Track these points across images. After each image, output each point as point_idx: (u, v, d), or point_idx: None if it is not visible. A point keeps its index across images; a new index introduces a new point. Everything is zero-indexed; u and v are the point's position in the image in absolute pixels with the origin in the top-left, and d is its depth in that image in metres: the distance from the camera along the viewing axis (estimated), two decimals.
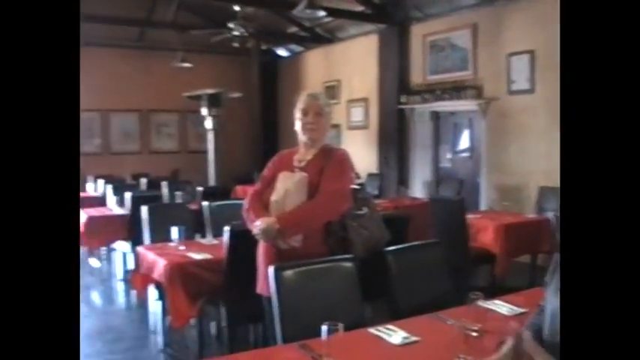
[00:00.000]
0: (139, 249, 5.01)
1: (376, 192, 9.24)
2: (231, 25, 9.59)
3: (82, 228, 7.37)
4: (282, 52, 14.44)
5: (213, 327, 5.12)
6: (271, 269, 2.85)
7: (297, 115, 3.43)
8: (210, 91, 9.84)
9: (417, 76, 10.47)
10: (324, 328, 2.20)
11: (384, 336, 2.54)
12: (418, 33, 10.40)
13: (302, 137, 3.44)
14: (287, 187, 3.30)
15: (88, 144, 12.99)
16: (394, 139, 10.84)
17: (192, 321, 4.66)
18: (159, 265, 4.44)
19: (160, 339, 5.06)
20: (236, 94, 10.44)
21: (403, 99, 10.47)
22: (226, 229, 4.21)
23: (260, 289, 3.34)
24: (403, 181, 10.52)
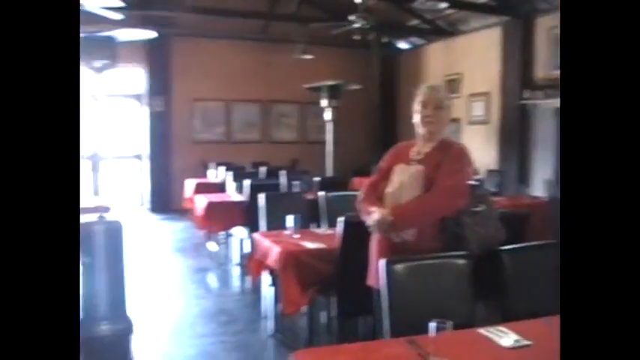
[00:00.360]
0: (255, 235, 5.13)
1: (495, 189, 9.00)
2: (352, 17, 9.61)
3: (201, 212, 7.65)
4: (402, 44, 14.32)
5: (323, 316, 5.16)
6: (382, 262, 2.85)
7: (416, 107, 3.39)
8: (330, 82, 9.91)
9: (541, 70, 10.10)
10: (432, 325, 2.17)
11: (494, 337, 2.47)
12: (544, 25, 10.01)
13: (420, 130, 3.40)
14: (403, 179, 3.28)
15: (211, 132, 13.44)
16: (515, 135, 10.52)
17: (303, 309, 4.71)
18: (273, 252, 4.52)
19: (270, 324, 5.18)
20: (355, 86, 10.45)
21: (526, 94, 10.13)
22: (340, 219, 4.23)
23: (371, 281, 3.34)
24: (523, 178, 10.19)
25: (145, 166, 13.18)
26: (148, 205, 13.16)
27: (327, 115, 10.06)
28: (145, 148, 13.15)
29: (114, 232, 5.07)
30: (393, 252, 3.13)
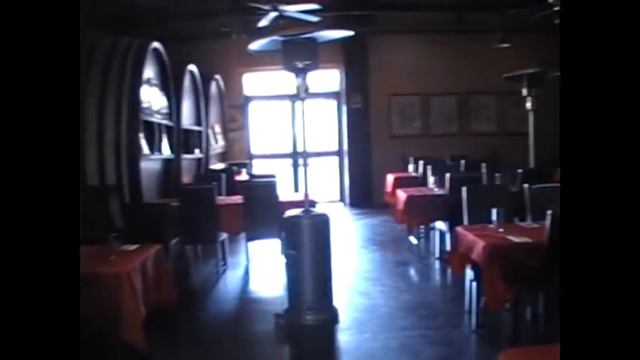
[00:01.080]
0: (458, 229, 5.07)
1: None
2: (552, 0, 9.12)
3: (402, 206, 7.69)
4: None
5: (529, 312, 4.99)
6: None
7: None
8: (530, 70, 9.51)
9: None
10: None
11: None
12: None
13: None
14: None
15: (409, 127, 13.50)
16: None
17: (507, 304, 4.59)
18: (477, 245, 4.45)
19: (473, 320, 5.09)
20: (557, 73, 9.93)
21: None
22: (549, 212, 4.06)
23: None
24: None
25: (345, 162, 13.53)
26: (347, 200, 13.50)
27: (528, 104, 9.65)
28: (344, 144, 13.50)
29: (321, 225, 5.25)
30: None
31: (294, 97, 12.77)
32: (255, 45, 5.41)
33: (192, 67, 10.30)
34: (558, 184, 5.38)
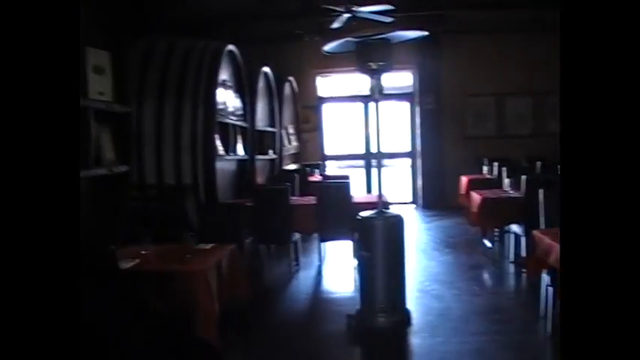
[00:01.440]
0: (535, 233, 4.97)
1: None
2: None
3: (476, 209, 7.60)
4: None
5: None
6: None
7: None
8: None
9: None
10: None
11: None
12: None
13: None
14: None
15: (483, 128, 13.27)
16: None
17: None
18: (555, 250, 4.35)
19: (549, 325, 4.98)
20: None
21: None
22: None
23: None
24: None
25: (418, 163, 13.44)
26: (420, 201, 13.41)
27: None
28: (417, 145, 13.41)
29: (395, 227, 5.23)
30: None
31: (367, 98, 12.79)
32: (329, 46, 5.44)
33: (266, 69, 10.43)
34: None
